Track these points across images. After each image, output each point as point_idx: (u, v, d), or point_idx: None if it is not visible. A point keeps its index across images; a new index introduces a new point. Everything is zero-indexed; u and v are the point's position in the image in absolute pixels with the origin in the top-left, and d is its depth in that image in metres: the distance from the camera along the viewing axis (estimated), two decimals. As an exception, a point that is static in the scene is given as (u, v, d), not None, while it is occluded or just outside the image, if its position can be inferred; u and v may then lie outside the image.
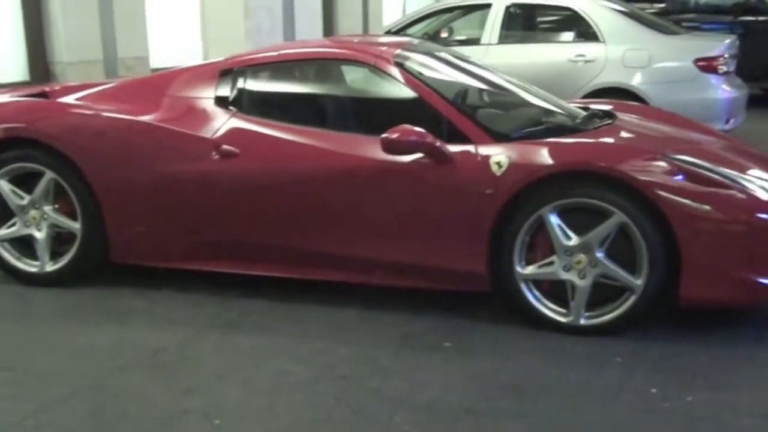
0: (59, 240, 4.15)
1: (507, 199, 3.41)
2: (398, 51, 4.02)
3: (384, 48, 4.02)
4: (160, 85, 4.18)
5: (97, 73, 7.10)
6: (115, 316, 3.77)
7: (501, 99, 4.22)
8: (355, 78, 4.03)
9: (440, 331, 3.58)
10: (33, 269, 4.16)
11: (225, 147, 3.79)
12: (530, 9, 7.64)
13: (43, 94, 4.63)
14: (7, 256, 4.19)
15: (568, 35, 7.38)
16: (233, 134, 3.84)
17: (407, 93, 3.77)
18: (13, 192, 4.13)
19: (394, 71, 3.83)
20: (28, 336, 3.56)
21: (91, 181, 3.96)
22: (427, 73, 3.97)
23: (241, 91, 3.96)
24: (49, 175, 4.03)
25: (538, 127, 3.83)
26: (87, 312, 3.83)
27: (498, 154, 3.45)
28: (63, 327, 3.65)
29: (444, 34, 8.30)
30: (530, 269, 3.48)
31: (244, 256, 3.90)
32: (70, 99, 4.28)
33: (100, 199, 3.98)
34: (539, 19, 7.79)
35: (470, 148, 3.54)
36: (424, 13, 8.15)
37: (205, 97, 4.00)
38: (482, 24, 7.74)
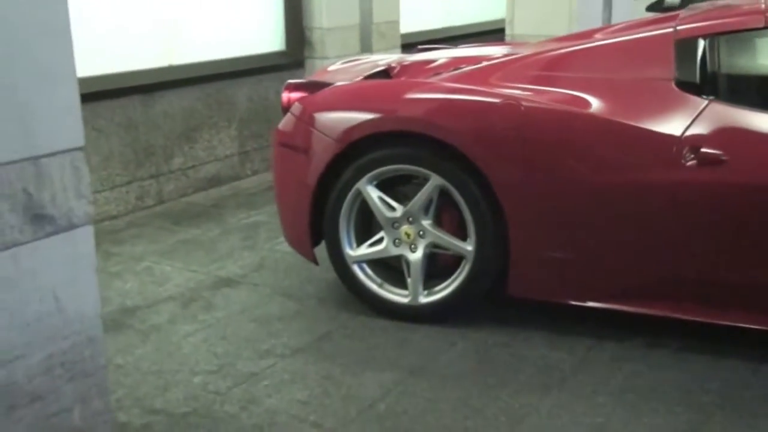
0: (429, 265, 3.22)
1: None
2: None
3: None
4: (576, 62, 3.11)
5: (352, 39, 6.18)
6: (554, 380, 2.77)
7: None
8: None
9: None
10: (402, 299, 3.22)
11: (706, 150, 2.71)
12: None
13: (385, 74, 3.68)
14: (366, 281, 3.27)
15: None
16: (715, 132, 2.74)
17: None
18: (383, 201, 3.20)
19: None
20: (459, 404, 2.61)
21: (498, 191, 2.97)
22: None
23: (717, 71, 2.83)
24: (435, 180, 3.06)
25: None
26: (512, 370, 2.84)
27: None
28: (503, 396, 2.67)
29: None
30: None
31: (718, 299, 2.82)
32: (448, 81, 3.28)
33: (508, 215, 2.97)
34: None
35: None
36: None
37: (659, 77, 2.90)
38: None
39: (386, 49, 6.38)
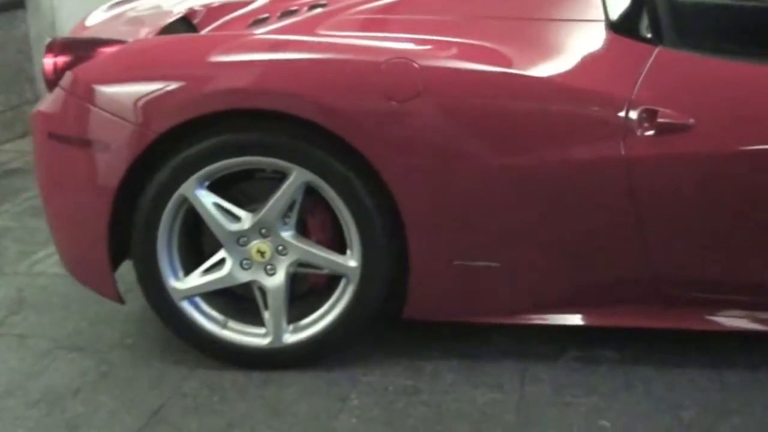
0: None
1: None
2: None
3: None
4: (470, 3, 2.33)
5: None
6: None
7: None
8: None
9: None
10: (258, 341, 2.30)
11: (665, 113, 2.06)
12: None
13: (186, 24, 2.63)
14: (204, 322, 2.30)
15: None
16: (673, 89, 2.08)
17: None
18: (221, 209, 2.23)
19: None
20: None
21: (391, 184, 2.13)
22: None
23: (665, 9, 2.17)
24: (299, 176, 2.15)
25: None
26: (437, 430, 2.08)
27: None
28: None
29: None
30: None
31: (683, 302, 2.24)
32: (293, 32, 2.35)
33: (406, 215, 2.15)
34: None
35: None
36: None
37: (588, 19, 2.21)
38: None
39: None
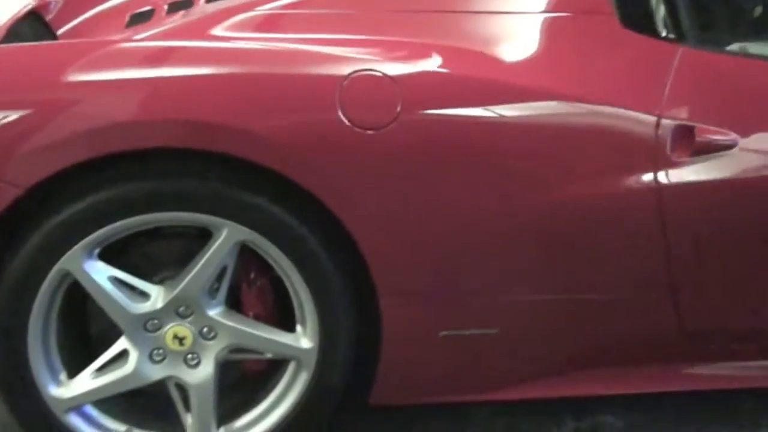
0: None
1: None
2: None
3: None
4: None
5: None
6: None
7: None
8: None
9: None
10: (176, 456, 1.69)
11: (702, 128, 1.62)
12: None
13: (38, 20, 1.93)
14: (97, 437, 1.67)
15: None
16: (708, 99, 1.67)
17: None
18: (122, 285, 1.58)
19: None
20: None
21: (360, 238, 1.57)
22: None
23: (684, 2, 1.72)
24: (233, 234, 1.55)
25: None
26: None
27: None
28: None
29: None
30: None
31: (714, 358, 1.82)
32: (174, 37, 1.73)
33: (378, 278, 1.60)
34: None
35: None
36: None
37: (593, 11, 1.72)
38: None
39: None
